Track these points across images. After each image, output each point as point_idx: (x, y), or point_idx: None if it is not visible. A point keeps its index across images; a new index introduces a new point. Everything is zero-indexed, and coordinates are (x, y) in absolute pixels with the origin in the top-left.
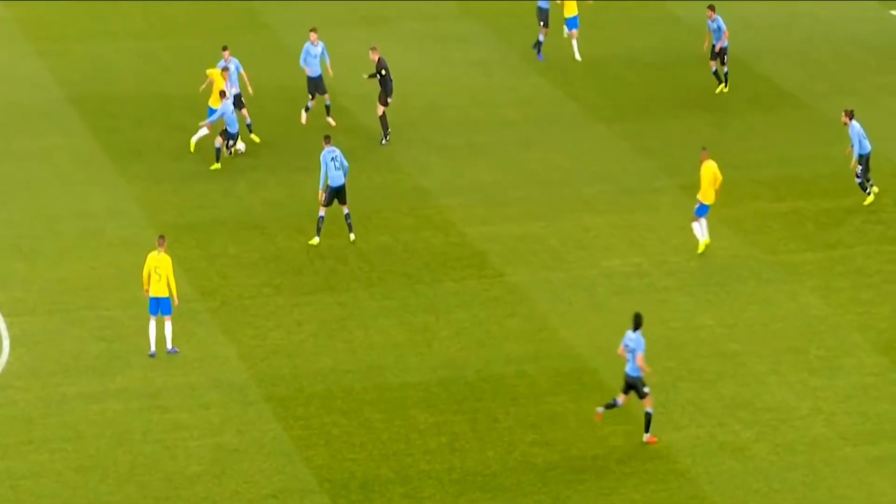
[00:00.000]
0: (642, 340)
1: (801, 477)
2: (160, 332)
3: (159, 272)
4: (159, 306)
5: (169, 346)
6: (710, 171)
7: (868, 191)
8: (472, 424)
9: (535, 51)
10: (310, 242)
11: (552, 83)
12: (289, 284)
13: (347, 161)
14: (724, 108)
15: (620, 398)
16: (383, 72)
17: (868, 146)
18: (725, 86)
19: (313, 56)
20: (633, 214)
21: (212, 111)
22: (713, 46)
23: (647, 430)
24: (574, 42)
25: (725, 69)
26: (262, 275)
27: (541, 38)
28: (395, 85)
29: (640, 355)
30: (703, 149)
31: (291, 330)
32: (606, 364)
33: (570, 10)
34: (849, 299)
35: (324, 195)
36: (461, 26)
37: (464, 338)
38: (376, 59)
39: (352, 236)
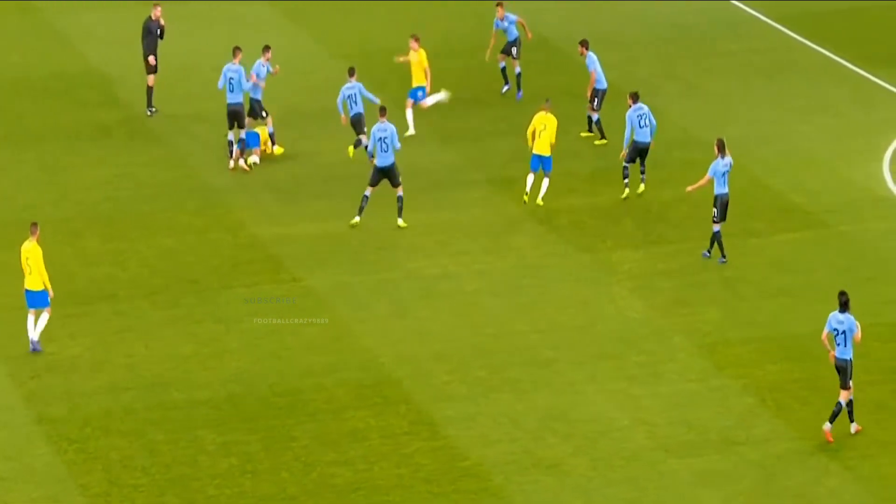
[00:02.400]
0: (854, 319)
1: (622, 493)
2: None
3: (29, 263)
4: (34, 300)
5: (34, 338)
6: (541, 122)
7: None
8: (266, 444)
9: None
10: (350, 223)
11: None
12: (61, 293)
13: (388, 142)
14: (536, 96)
15: (842, 396)
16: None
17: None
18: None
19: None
20: (439, 212)
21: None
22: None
23: (852, 419)
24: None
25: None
26: None
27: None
28: (179, 70)
29: (857, 334)
30: (546, 100)
31: (64, 344)
32: (412, 374)
33: (418, 80)
34: (671, 300)
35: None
36: (251, 9)
37: (257, 349)
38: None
39: (399, 222)
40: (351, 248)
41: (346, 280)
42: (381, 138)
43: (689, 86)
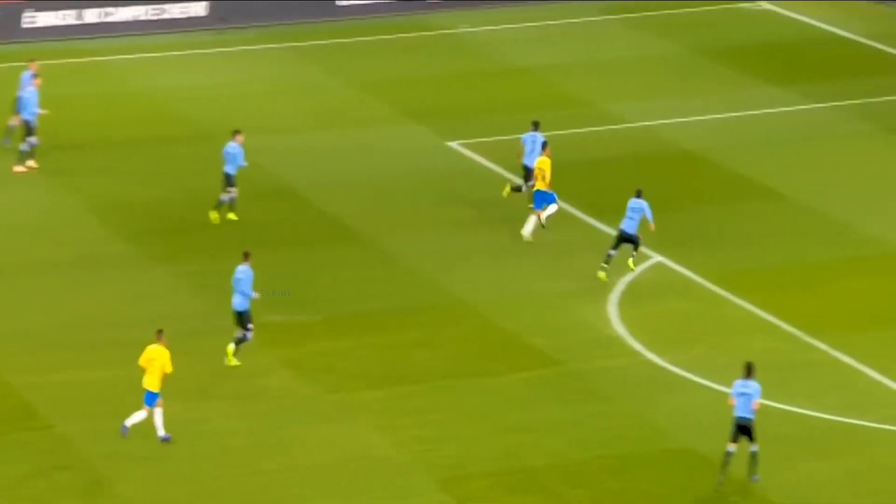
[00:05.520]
0: (758, 386)
1: None
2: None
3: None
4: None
5: (161, 433)
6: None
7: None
8: None
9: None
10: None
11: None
12: None
13: None
14: (263, 243)
15: (731, 446)
16: None
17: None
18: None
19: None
20: (187, 357)
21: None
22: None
23: (755, 472)
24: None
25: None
26: None
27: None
28: None
29: (756, 401)
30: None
31: None
32: None
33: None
34: (412, 438)
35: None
36: None
37: (9, 498)
38: None
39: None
40: (104, 396)
41: (101, 426)
42: (237, 279)
43: (425, 234)
